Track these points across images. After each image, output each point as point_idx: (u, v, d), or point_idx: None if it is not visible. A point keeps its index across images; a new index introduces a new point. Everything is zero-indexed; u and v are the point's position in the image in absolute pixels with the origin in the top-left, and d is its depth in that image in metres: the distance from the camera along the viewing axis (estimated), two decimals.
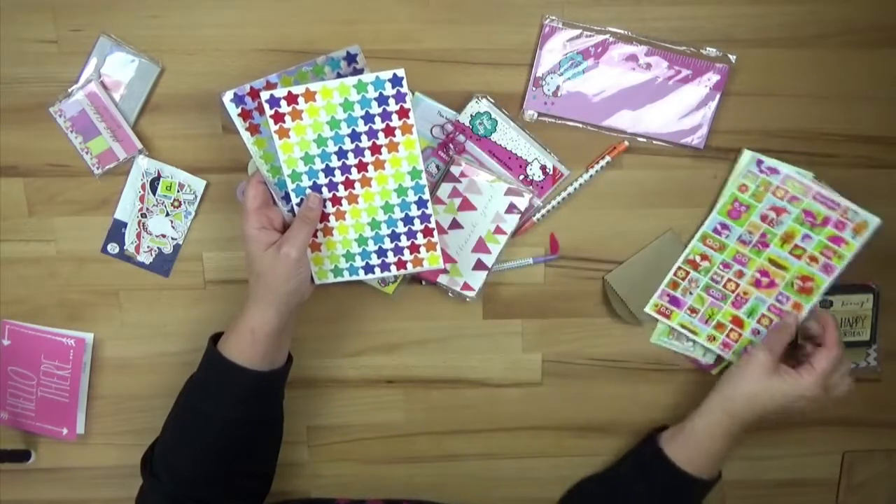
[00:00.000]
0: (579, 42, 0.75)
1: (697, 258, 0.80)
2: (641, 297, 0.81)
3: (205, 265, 0.80)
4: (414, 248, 0.71)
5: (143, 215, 0.78)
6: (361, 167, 0.68)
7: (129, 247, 0.79)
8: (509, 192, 0.76)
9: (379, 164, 0.68)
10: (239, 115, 0.66)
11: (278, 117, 0.66)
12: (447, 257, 0.77)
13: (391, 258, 0.71)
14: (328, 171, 0.68)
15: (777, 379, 0.70)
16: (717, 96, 0.76)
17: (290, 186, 0.68)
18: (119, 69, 0.75)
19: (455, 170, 0.76)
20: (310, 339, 0.82)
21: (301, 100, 0.65)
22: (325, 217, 0.69)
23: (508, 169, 0.78)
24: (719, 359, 0.82)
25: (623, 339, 0.83)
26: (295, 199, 0.68)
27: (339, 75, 0.66)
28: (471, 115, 0.76)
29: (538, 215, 0.79)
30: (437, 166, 0.77)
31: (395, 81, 0.65)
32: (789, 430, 0.86)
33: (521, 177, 0.78)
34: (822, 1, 0.75)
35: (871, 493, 0.88)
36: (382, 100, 0.65)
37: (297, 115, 0.66)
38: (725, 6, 0.75)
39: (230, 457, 0.69)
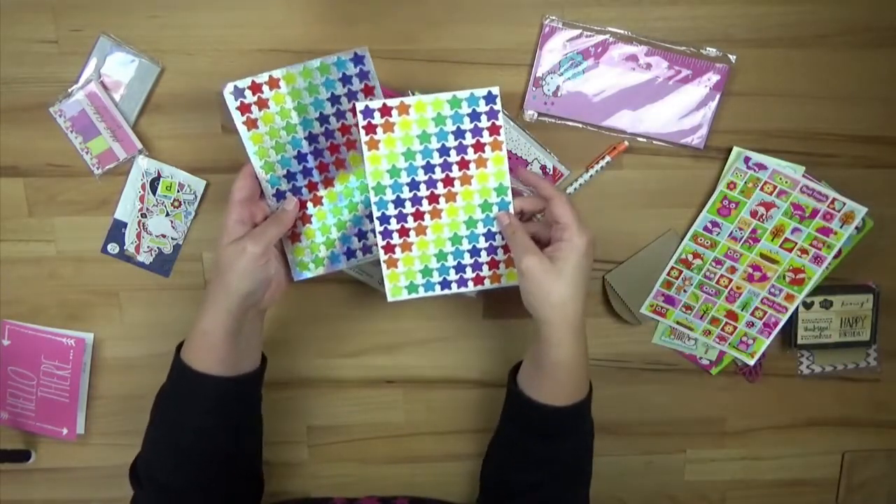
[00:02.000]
0: (579, 42, 0.75)
1: (690, 257, 0.80)
2: (641, 296, 0.81)
3: (205, 265, 0.80)
4: (493, 265, 0.70)
5: (143, 215, 0.78)
6: (448, 182, 0.67)
7: (129, 247, 0.79)
8: None
9: (466, 180, 0.67)
10: (237, 108, 0.65)
11: (370, 128, 0.65)
12: None
13: (469, 273, 0.70)
14: (413, 185, 0.67)
15: (559, 262, 0.62)
16: (717, 96, 0.76)
17: (374, 199, 0.67)
18: (119, 69, 0.75)
19: None
20: (310, 339, 0.82)
21: (395, 112, 0.65)
22: (405, 232, 0.68)
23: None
24: (719, 358, 0.83)
25: (623, 339, 0.83)
26: (377, 213, 0.67)
27: (345, 76, 0.65)
28: None
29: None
30: None
31: (490, 99, 0.65)
32: (789, 430, 0.86)
33: None
34: (822, 1, 0.76)
35: (871, 493, 0.88)
36: (475, 116, 0.66)
37: (389, 127, 0.65)
38: (725, 6, 0.75)
39: (209, 465, 0.67)
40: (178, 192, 0.77)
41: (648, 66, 0.76)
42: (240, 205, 0.63)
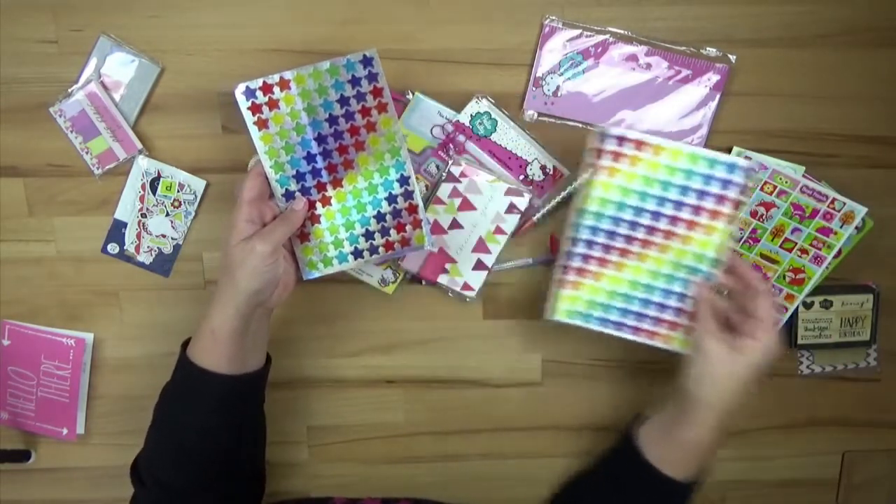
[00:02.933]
0: (579, 42, 0.75)
1: None
2: None
3: (205, 265, 0.80)
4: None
5: (143, 215, 0.78)
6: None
7: (129, 247, 0.79)
8: (509, 192, 0.76)
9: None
10: (248, 108, 0.65)
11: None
12: (447, 257, 0.77)
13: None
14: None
15: (740, 356, 0.64)
16: (717, 96, 0.76)
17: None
18: (119, 69, 0.75)
19: (455, 170, 0.76)
20: (310, 339, 0.82)
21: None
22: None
23: (508, 169, 0.78)
24: None
25: (623, 338, 0.83)
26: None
27: (354, 77, 0.66)
28: (471, 115, 0.76)
29: (538, 215, 0.79)
30: (437, 166, 0.77)
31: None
32: (789, 430, 0.86)
33: (521, 177, 0.78)
34: (822, 1, 0.76)
35: (871, 493, 0.88)
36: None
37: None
38: (725, 6, 0.75)
39: (212, 464, 0.67)
40: (178, 192, 0.77)
41: (648, 66, 0.76)
42: (249, 204, 0.63)
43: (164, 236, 0.79)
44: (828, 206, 0.77)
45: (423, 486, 0.85)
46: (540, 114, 0.77)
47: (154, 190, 0.77)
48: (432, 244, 0.70)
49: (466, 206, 0.77)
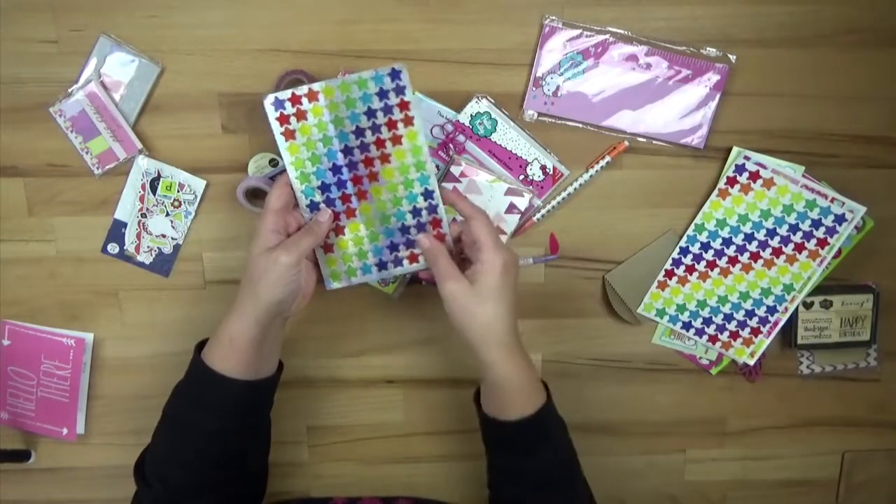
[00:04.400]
0: (579, 42, 0.75)
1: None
2: (641, 296, 0.81)
3: (205, 265, 0.80)
4: (734, 336, 0.75)
5: (143, 215, 0.78)
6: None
7: (129, 247, 0.79)
8: (509, 192, 0.76)
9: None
10: (277, 119, 0.66)
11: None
12: None
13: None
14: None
15: (478, 285, 0.63)
16: (717, 96, 0.76)
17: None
18: (119, 69, 0.75)
19: (455, 170, 0.76)
20: (310, 339, 0.82)
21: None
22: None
23: (508, 169, 0.78)
24: (719, 358, 0.83)
25: (623, 339, 0.83)
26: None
27: (382, 90, 0.66)
28: (471, 115, 0.76)
29: (538, 215, 0.79)
30: (437, 166, 0.77)
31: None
32: (789, 430, 0.86)
33: (521, 177, 0.78)
34: (822, 1, 0.75)
35: (871, 493, 0.88)
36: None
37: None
38: (725, 6, 0.75)
39: (219, 466, 0.67)
40: (178, 192, 0.77)
41: (648, 66, 0.76)
42: (275, 214, 0.64)
43: (163, 236, 0.79)
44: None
45: (423, 486, 0.85)
46: (540, 114, 0.77)
47: (154, 190, 0.77)
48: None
49: None
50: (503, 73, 0.76)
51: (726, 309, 0.79)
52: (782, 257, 0.76)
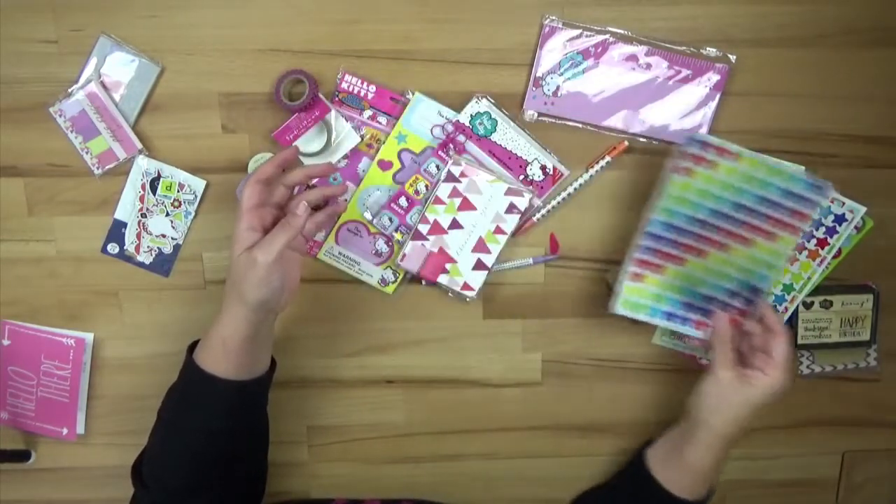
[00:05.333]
0: (579, 42, 0.75)
1: None
2: None
3: (205, 265, 0.80)
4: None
5: (143, 215, 0.78)
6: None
7: (129, 247, 0.79)
8: (509, 192, 0.76)
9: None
10: (692, 155, 0.69)
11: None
12: (447, 257, 0.77)
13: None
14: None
15: (749, 388, 0.68)
16: (717, 96, 0.76)
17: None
18: (119, 69, 0.75)
19: (455, 170, 0.76)
20: (310, 339, 0.82)
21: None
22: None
23: (508, 169, 0.78)
24: None
25: (623, 339, 0.83)
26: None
27: (790, 192, 0.69)
28: (471, 115, 0.76)
29: (538, 215, 0.79)
30: (437, 166, 0.77)
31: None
32: (789, 430, 0.86)
33: (521, 177, 0.78)
34: (822, 1, 0.75)
35: (871, 493, 0.88)
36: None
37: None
38: (725, 6, 0.75)
39: (216, 466, 0.67)
40: (178, 191, 0.77)
41: (648, 66, 0.76)
42: (249, 212, 0.63)
43: (163, 236, 0.79)
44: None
45: (423, 486, 0.85)
46: (540, 114, 0.77)
47: (154, 190, 0.77)
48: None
49: (466, 206, 0.77)
50: (503, 73, 0.76)
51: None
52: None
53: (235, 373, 0.64)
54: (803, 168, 0.75)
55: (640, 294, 0.74)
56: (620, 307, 0.74)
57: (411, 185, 0.77)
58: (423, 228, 0.77)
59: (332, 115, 0.75)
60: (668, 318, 0.74)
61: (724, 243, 0.71)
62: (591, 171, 0.78)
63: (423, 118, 0.76)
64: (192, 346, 0.68)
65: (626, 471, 0.81)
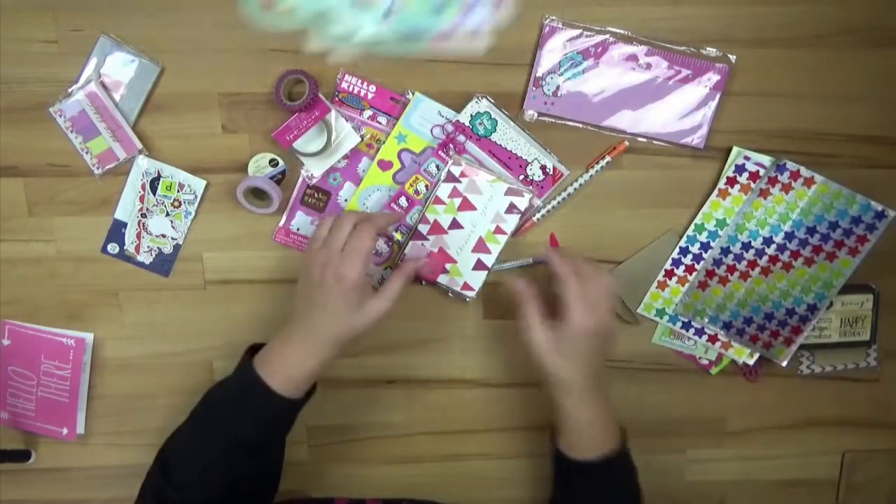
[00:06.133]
0: (579, 42, 0.75)
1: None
2: (641, 296, 0.81)
3: (205, 265, 0.80)
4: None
5: (143, 215, 0.78)
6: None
7: (129, 247, 0.79)
8: (509, 192, 0.76)
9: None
10: (749, 175, 0.75)
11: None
12: (447, 257, 0.77)
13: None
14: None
15: (561, 334, 0.67)
16: (717, 96, 0.76)
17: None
18: (119, 69, 0.75)
19: (455, 170, 0.76)
20: None
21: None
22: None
23: (508, 169, 0.78)
24: (718, 358, 0.82)
25: (623, 339, 0.83)
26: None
27: (858, 218, 0.74)
28: (471, 115, 0.76)
29: (538, 215, 0.79)
30: (437, 166, 0.77)
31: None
32: (789, 430, 0.86)
33: (521, 177, 0.78)
34: (822, 1, 0.75)
35: (871, 493, 0.88)
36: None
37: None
38: (725, 6, 0.75)
39: (238, 470, 0.67)
40: (178, 192, 0.77)
41: (648, 66, 0.76)
42: (369, 256, 0.65)
43: (163, 236, 0.79)
44: None
45: (423, 486, 0.85)
46: (540, 114, 0.77)
47: (154, 190, 0.77)
48: (786, 361, 0.79)
49: (466, 206, 0.77)
50: (503, 73, 0.76)
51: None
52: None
53: (293, 392, 0.66)
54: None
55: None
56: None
57: (411, 185, 0.77)
58: (423, 228, 0.77)
59: (332, 115, 0.75)
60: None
61: (785, 263, 0.76)
62: (591, 171, 0.78)
63: (423, 118, 0.76)
64: (251, 350, 0.68)
65: (554, 470, 0.77)
